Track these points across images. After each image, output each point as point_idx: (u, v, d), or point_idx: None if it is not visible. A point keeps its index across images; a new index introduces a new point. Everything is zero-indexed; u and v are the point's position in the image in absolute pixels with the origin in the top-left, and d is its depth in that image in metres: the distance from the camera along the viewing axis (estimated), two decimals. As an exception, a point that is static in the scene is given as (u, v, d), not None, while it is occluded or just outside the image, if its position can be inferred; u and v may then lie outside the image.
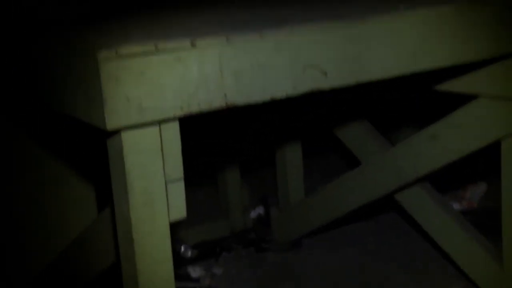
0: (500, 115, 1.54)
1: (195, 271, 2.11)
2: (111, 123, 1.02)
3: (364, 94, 1.96)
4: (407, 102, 2.28)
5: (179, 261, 2.10)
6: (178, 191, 1.12)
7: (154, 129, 1.08)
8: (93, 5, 1.68)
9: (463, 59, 1.35)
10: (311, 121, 2.17)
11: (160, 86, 1.05)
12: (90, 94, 1.05)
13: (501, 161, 1.59)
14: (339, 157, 2.59)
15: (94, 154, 1.77)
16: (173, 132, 1.10)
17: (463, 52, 1.34)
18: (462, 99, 1.61)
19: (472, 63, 1.39)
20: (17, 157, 1.81)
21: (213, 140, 2.22)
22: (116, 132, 1.06)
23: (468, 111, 1.60)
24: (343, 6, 1.47)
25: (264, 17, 1.35)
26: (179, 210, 1.13)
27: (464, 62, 1.36)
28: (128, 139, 1.06)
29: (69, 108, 1.14)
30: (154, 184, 1.10)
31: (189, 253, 2.16)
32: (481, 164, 2.23)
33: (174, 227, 1.14)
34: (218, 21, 1.33)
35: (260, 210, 2.36)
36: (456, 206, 2.36)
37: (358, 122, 2.03)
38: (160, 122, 1.08)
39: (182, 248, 2.16)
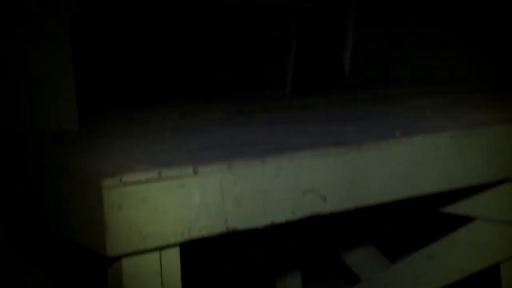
0: (499, 238, 1.54)
1: None
2: (111, 250, 1.03)
3: (366, 217, 1.96)
4: (409, 222, 2.29)
5: None
6: (177, 319, 1.11)
7: (155, 255, 1.08)
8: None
9: (459, 184, 1.37)
10: (311, 246, 2.17)
11: (161, 212, 1.06)
12: (92, 220, 1.06)
13: (501, 284, 1.58)
14: (341, 279, 2.56)
15: (94, 276, 1.75)
16: (173, 258, 1.10)
17: (459, 178, 1.36)
18: (462, 220, 1.61)
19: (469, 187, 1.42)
20: (15, 278, 1.79)
21: (212, 264, 2.21)
22: (116, 258, 1.06)
23: (466, 232, 1.60)
24: (338, 128, 1.51)
25: (264, 140, 1.38)
26: None
27: (460, 187, 1.38)
28: (128, 265, 1.06)
29: (69, 232, 1.14)
30: (152, 310, 1.09)
31: None
32: (481, 285, 2.21)
33: None
34: (219, 144, 1.36)
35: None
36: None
37: (359, 244, 2.03)
38: (160, 249, 1.08)
39: None
